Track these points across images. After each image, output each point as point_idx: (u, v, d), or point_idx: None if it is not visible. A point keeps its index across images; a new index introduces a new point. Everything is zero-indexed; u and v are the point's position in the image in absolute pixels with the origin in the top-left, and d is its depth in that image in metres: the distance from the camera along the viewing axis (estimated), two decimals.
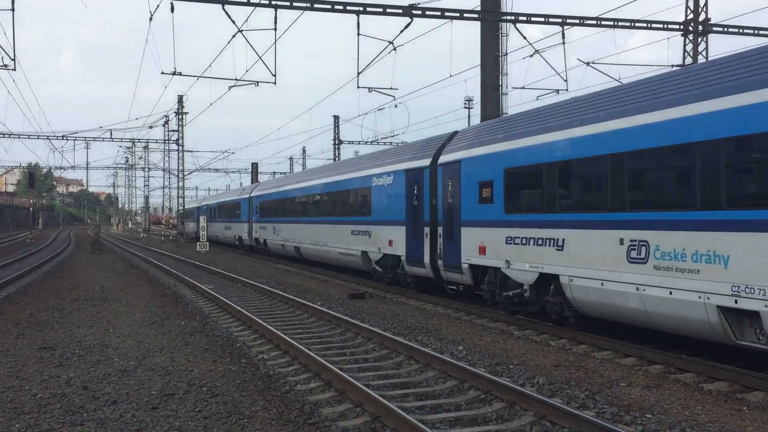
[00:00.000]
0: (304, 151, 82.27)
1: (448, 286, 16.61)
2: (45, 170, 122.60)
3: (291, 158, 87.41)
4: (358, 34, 19.69)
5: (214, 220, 49.20)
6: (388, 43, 19.97)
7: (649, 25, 22.86)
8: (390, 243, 18.25)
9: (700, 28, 24.21)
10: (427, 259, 16.34)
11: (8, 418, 7.16)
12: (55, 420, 7.07)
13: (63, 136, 54.35)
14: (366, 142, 54.30)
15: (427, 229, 16.30)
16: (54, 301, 16.64)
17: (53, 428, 6.80)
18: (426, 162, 16.59)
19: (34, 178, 64.61)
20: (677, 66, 24.02)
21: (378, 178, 19.16)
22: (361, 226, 20.14)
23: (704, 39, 24.25)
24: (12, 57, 22.14)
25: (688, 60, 24.13)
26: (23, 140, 54.26)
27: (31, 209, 78.11)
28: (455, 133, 16.55)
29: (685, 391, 8.41)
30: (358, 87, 22.12)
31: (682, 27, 24.20)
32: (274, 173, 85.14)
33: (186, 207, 67.85)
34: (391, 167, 18.52)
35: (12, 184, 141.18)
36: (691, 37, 24.17)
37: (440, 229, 15.66)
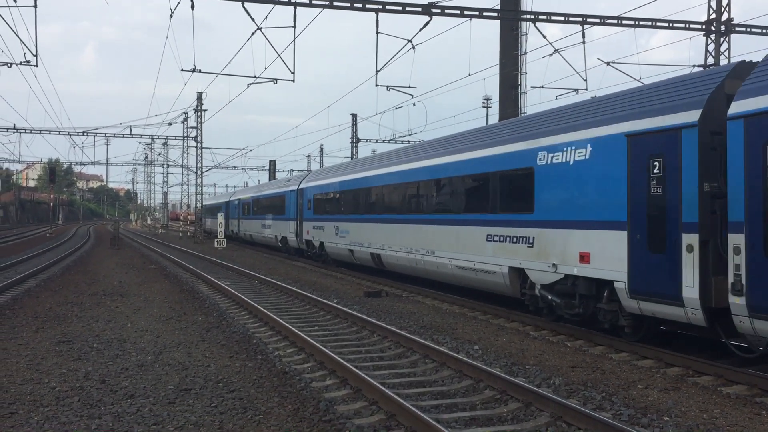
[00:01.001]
0: (321, 149, 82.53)
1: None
2: (65, 166, 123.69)
3: (308, 156, 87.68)
4: (377, 32, 19.68)
5: (247, 216, 43.53)
6: (406, 42, 19.95)
7: (670, 24, 22.67)
8: (584, 258, 11.57)
9: (723, 28, 23.94)
10: (690, 292, 9.42)
11: (27, 410, 7.24)
12: (73, 413, 7.14)
13: (83, 132, 54.87)
14: (384, 141, 54.30)
15: (689, 238, 9.45)
16: (73, 296, 16.80)
17: (71, 421, 6.87)
18: (687, 116, 9.68)
19: (55, 173, 65.25)
20: (699, 66, 23.79)
21: (551, 153, 12.57)
22: (512, 229, 13.68)
23: (727, 39, 23.99)
24: (34, 53, 22.38)
25: (710, 60, 23.89)
26: (44, 136, 55.03)
27: (51, 204, 78.86)
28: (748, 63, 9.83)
29: (703, 394, 8.34)
30: (377, 85, 22.12)
31: (704, 27, 23.96)
32: (292, 170, 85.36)
33: (210, 202, 63.35)
34: (584, 134, 11.77)
35: (33, 180, 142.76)
36: (713, 37, 23.92)
37: (737, 239, 8.71)
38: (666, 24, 22.56)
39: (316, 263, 28.56)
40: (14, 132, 52.70)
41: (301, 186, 30.34)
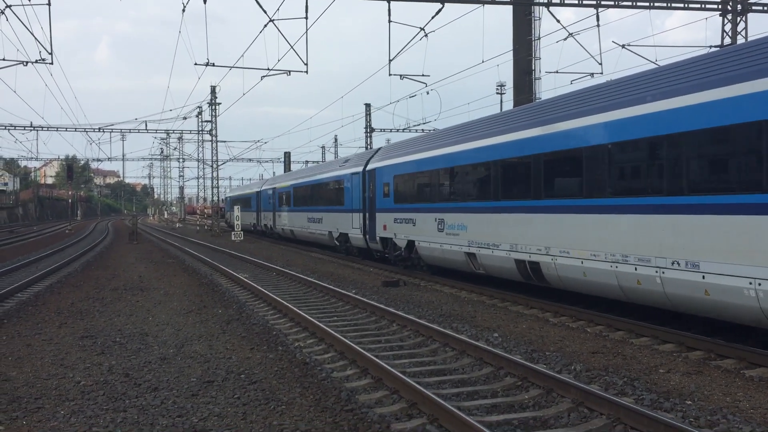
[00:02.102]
0: (335, 140, 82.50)
1: None
2: (82, 162, 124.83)
3: (323, 147, 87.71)
4: (389, 21, 19.63)
5: (287, 208, 36.24)
6: (419, 30, 19.87)
7: (686, 5, 22.40)
8: None
9: (739, 7, 23.62)
10: None
11: (53, 404, 7.33)
12: (98, 407, 7.23)
13: (99, 129, 55.22)
14: (398, 130, 54.21)
15: None
16: (94, 291, 16.97)
17: (97, 414, 6.95)
18: None
19: (72, 170, 65.91)
20: (716, 47, 23.50)
21: None
22: None
23: (743, 18, 23.67)
24: (49, 50, 22.54)
25: (727, 40, 23.59)
26: (61, 133, 55.36)
27: (69, 201, 79.60)
28: None
29: (726, 377, 8.29)
30: (390, 74, 22.13)
31: (720, 7, 23.65)
32: (307, 162, 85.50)
33: (236, 193, 56.86)
34: None
35: (51, 177, 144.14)
36: (729, 17, 23.61)
37: None
38: (681, 5, 22.29)
39: (331, 254, 28.49)
40: (31, 130, 53.17)
41: (370, 167, 22.61)
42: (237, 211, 46.42)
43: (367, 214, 22.85)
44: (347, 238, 25.58)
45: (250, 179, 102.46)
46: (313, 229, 30.53)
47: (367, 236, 22.98)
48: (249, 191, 50.69)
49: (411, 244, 19.27)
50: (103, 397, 7.59)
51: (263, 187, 44.09)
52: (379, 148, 24.31)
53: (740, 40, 23.31)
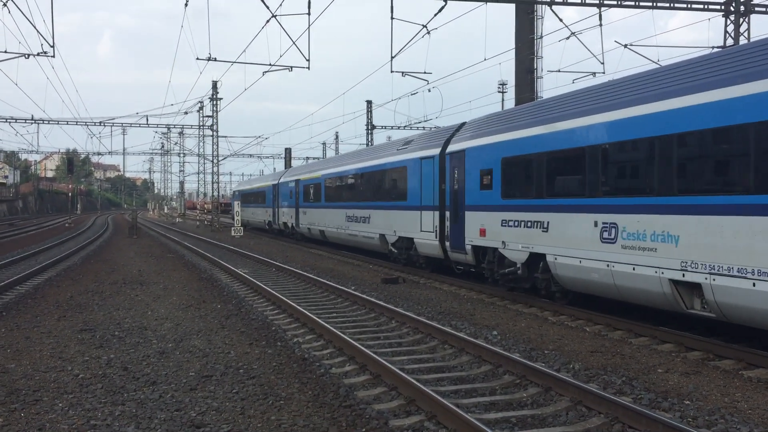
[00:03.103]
0: (337, 136, 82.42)
1: None
2: (83, 156, 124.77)
3: (324, 143, 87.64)
4: (392, 18, 19.61)
5: (319, 204, 29.42)
6: (421, 27, 19.86)
7: (689, 5, 22.38)
8: None
9: (742, 8, 23.59)
10: None
11: (52, 397, 7.34)
12: (96, 399, 7.23)
13: (100, 122, 55.22)
14: (399, 127, 54.15)
15: None
16: (93, 284, 16.97)
17: (95, 407, 6.95)
18: None
19: (73, 163, 65.92)
20: (718, 48, 23.46)
21: None
22: None
23: (746, 19, 23.65)
24: (51, 43, 22.51)
25: (729, 41, 23.57)
26: (62, 126, 55.37)
27: (70, 194, 79.60)
28: None
29: (724, 378, 8.29)
30: (392, 71, 22.10)
31: (723, 7, 23.62)
32: (307, 158, 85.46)
33: (246, 187, 51.36)
34: None
35: (51, 170, 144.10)
36: (732, 17, 23.58)
37: None
38: (684, 5, 22.27)
39: (332, 250, 28.55)
40: (32, 123, 53.16)
41: (455, 147, 16.51)
42: (237, 206, 46.38)
43: (448, 213, 16.68)
44: (410, 244, 19.43)
45: (251, 174, 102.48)
46: (356, 230, 23.93)
47: (448, 243, 16.83)
48: (262, 184, 43.97)
49: (536, 258, 13.30)
50: (102, 390, 7.59)
51: (282, 179, 37.35)
52: (462, 124, 17.37)
53: (742, 40, 23.30)
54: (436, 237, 17.53)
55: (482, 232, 15.11)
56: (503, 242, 14.27)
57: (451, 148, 16.81)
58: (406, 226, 19.58)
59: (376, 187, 22.32)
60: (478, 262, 15.71)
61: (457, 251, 16.42)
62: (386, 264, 22.12)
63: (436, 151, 17.73)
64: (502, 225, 14.33)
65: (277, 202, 38.56)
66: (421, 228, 18.48)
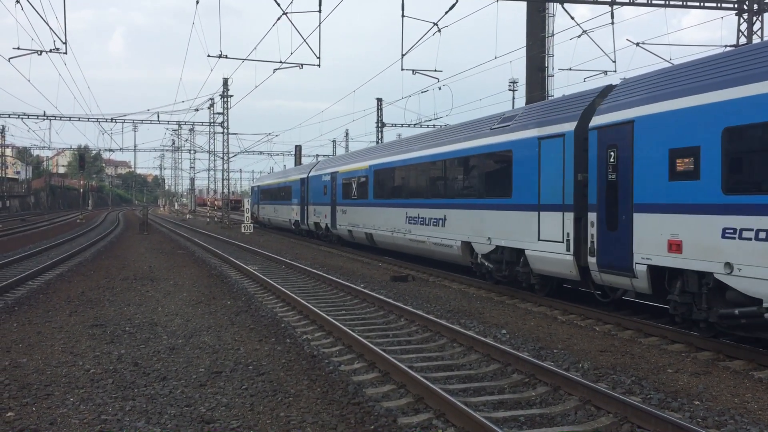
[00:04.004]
0: (347, 134, 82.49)
1: None
2: (94, 152, 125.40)
3: (334, 141, 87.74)
4: (403, 16, 19.60)
5: (365, 201, 24.42)
6: (432, 25, 19.84)
7: (701, 3, 22.26)
8: None
9: (756, 7, 23.44)
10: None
11: (63, 392, 7.39)
12: (107, 394, 7.28)
13: (112, 119, 55.44)
14: (409, 125, 54.17)
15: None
16: (104, 280, 17.07)
17: (106, 402, 7.00)
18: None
19: (84, 159, 66.21)
20: (731, 47, 23.33)
21: None
22: None
23: (759, 18, 23.49)
24: (63, 40, 22.64)
25: (743, 40, 23.43)
26: (74, 123, 55.60)
27: (81, 190, 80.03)
28: None
29: (734, 378, 8.26)
30: (402, 69, 22.08)
31: (736, 6, 23.47)
32: (317, 155, 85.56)
33: (268, 182, 45.80)
34: None
35: (63, 166, 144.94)
36: (746, 16, 23.43)
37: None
38: (697, 3, 22.15)
39: (340, 247, 28.37)
40: (44, 119, 53.51)
41: (614, 118, 11.58)
42: (247, 203, 46.45)
43: (594, 216, 11.87)
44: (516, 256, 14.50)
45: (261, 171, 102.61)
46: (422, 235, 19.08)
47: (594, 259, 11.84)
48: (288, 178, 38.64)
49: None
50: (112, 385, 7.64)
51: (313, 172, 32.62)
52: (609, 86, 12.67)
53: (755, 39, 23.15)
54: (568, 249, 12.50)
55: (673, 246, 10.18)
56: (728, 264, 9.08)
57: (602, 120, 11.78)
58: (511, 232, 14.43)
59: (458, 179, 17.21)
60: (657, 291, 10.71)
61: (615, 272, 11.37)
62: (396, 262, 22.01)
63: (568, 126, 12.73)
64: (724, 236, 9.20)
65: (307, 199, 33.50)
66: (539, 235, 13.40)
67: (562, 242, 12.75)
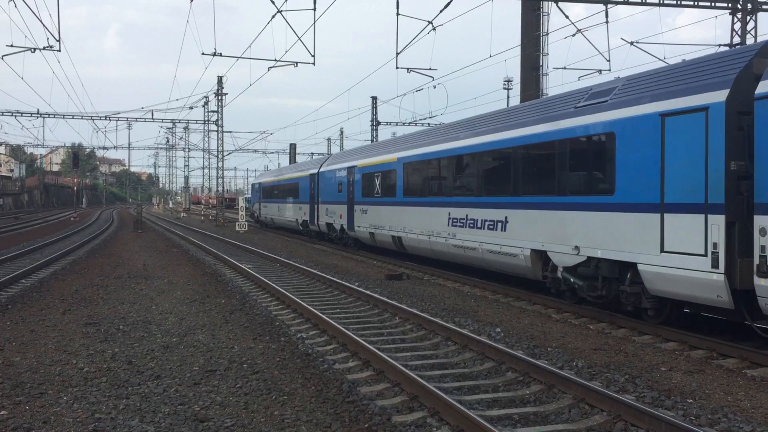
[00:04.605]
0: (341, 132, 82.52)
1: None
2: (88, 150, 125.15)
3: (329, 139, 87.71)
4: (398, 14, 19.60)
5: (390, 200, 21.27)
6: (427, 23, 19.83)
7: (696, 3, 22.31)
8: None
9: (749, 6, 23.51)
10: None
11: (57, 390, 7.37)
12: (101, 393, 7.26)
13: (106, 117, 55.30)
14: (404, 123, 54.16)
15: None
16: (98, 278, 17.02)
17: (100, 401, 6.99)
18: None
19: (78, 157, 66.04)
20: (725, 46, 23.40)
21: None
22: None
23: (753, 18, 23.57)
24: (57, 37, 22.57)
25: (736, 39, 23.50)
26: (67, 120, 55.52)
27: (75, 188, 79.83)
28: None
29: (727, 376, 8.29)
30: (397, 67, 22.09)
31: (730, 5, 23.54)
32: (312, 154, 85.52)
33: (269, 179, 42.99)
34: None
35: (57, 164, 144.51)
36: (739, 15, 23.50)
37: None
38: (691, 2, 22.21)
39: (335, 246, 28.18)
40: (38, 117, 53.32)
41: None
42: (241, 201, 46.38)
43: (763, 220, 8.81)
44: (621, 271, 11.27)
45: (255, 170, 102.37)
46: (473, 240, 15.81)
47: (765, 281, 8.76)
48: (295, 174, 35.26)
49: None
50: (106, 384, 7.63)
51: (325, 167, 29.59)
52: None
53: (750, 39, 23.22)
54: (716, 265, 9.30)
55: None
56: None
57: None
58: (613, 240, 11.20)
59: (526, 172, 13.89)
60: None
61: None
62: (391, 261, 22.02)
63: (714, 96, 9.52)
64: None
65: (317, 197, 30.32)
66: (662, 245, 10.19)
67: (705, 255, 9.42)
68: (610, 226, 11.23)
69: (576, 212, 12.13)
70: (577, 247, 12.05)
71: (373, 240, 23.07)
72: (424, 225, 18.57)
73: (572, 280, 12.22)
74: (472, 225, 15.91)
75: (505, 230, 14.48)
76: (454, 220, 16.78)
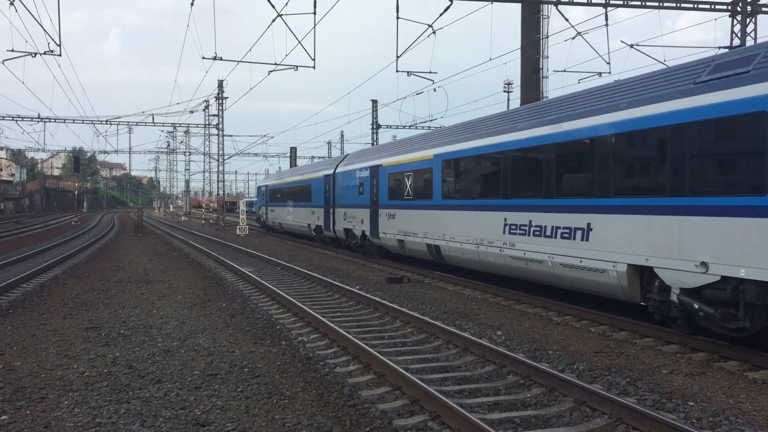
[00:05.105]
0: (342, 136, 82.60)
1: None
2: (89, 154, 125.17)
3: (329, 142, 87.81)
4: (398, 18, 19.61)
5: (426, 203, 18.62)
6: (427, 27, 19.85)
7: (695, 5, 22.34)
8: None
9: (749, 8, 23.53)
10: None
11: (57, 395, 7.37)
12: (102, 397, 7.26)
13: (106, 121, 55.37)
14: (404, 127, 54.19)
15: None
16: (99, 283, 17.02)
17: (100, 405, 6.98)
18: None
19: (79, 162, 66.08)
20: (725, 48, 23.41)
21: None
22: None
23: (753, 20, 23.58)
24: (57, 42, 22.60)
25: (736, 41, 23.51)
26: (68, 125, 55.56)
27: (76, 193, 79.90)
28: None
29: (729, 379, 8.28)
30: (397, 71, 22.09)
31: (729, 8, 23.56)
32: (313, 157, 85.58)
33: (276, 182, 40.65)
34: None
35: (57, 168, 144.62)
36: (739, 18, 23.52)
37: None
38: (691, 5, 22.23)
39: (335, 249, 28.23)
40: (39, 121, 53.34)
41: None
42: (242, 204, 46.41)
43: None
44: None
45: (256, 174, 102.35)
46: (536, 251, 13.32)
47: None
48: (307, 176, 32.77)
49: None
50: (107, 388, 7.63)
51: (342, 168, 27.18)
52: None
53: (749, 41, 23.23)
54: None
55: None
56: None
57: None
58: (764, 255, 8.53)
59: (621, 167, 11.23)
60: None
61: None
62: (391, 264, 22.00)
63: None
64: None
65: (333, 200, 28.02)
66: None
67: None
68: (762, 236, 8.51)
69: (704, 218, 9.37)
70: (704, 264, 9.32)
71: (402, 248, 20.66)
72: (469, 232, 15.98)
73: (696, 306, 9.46)
74: (537, 233, 13.23)
75: (586, 239, 11.84)
76: (513, 227, 14.14)
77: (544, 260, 12.98)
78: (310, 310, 12.07)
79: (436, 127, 40.39)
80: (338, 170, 27.46)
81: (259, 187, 46.69)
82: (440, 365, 8.89)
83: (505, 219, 14.42)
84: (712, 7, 23.08)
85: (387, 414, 6.76)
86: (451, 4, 19.28)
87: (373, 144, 52.89)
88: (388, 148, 23.42)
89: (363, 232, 24.08)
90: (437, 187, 17.82)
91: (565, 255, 12.34)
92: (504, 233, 14.48)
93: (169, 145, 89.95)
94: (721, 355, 9.31)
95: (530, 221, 13.50)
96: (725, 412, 6.92)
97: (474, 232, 15.77)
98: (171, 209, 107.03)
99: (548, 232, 12.90)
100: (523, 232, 13.79)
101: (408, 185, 19.95)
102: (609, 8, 21.03)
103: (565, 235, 12.39)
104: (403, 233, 20.26)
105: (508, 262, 14.47)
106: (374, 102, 54.69)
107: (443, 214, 17.43)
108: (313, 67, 22.29)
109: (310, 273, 18.51)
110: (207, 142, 60.61)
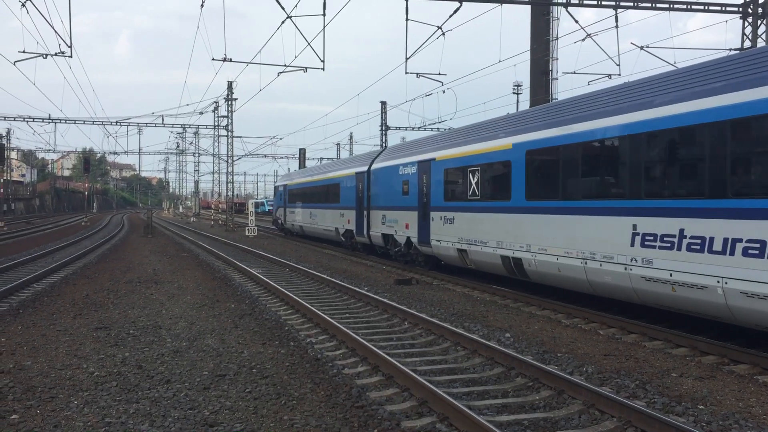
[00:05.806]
0: (351, 137, 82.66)
1: None
2: (99, 155, 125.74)
3: (338, 144, 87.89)
4: (407, 19, 19.61)
5: (501, 204, 15.05)
6: (436, 28, 19.84)
7: (706, 7, 22.24)
8: None
9: (760, 10, 23.42)
10: None
11: (67, 394, 7.41)
12: (111, 397, 7.29)
13: (117, 122, 55.65)
14: (413, 128, 54.21)
15: None
16: (109, 283, 17.10)
17: (110, 405, 7.01)
18: None
19: (89, 162, 66.42)
20: (735, 50, 23.30)
21: None
22: None
23: (764, 21, 23.46)
24: (68, 44, 22.72)
25: (747, 43, 23.40)
26: (78, 126, 55.86)
27: (86, 193, 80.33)
28: None
29: (739, 382, 8.23)
30: (406, 72, 22.06)
31: (740, 9, 23.45)
32: (321, 159, 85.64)
33: (297, 180, 37.10)
34: None
35: (68, 169, 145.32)
36: (750, 19, 23.41)
37: None
38: (701, 7, 22.14)
39: (344, 251, 28.25)
40: (49, 122, 53.67)
41: None
42: (251, 206, 46.50)
43: None
44: None
45: (265, 175, 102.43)
46: (691, 272, 9.69)
47: None
48: (334, 174, 29.39)
49: None
50: (116, 388, 7.66)
51: (380, 164, 23.60)
52: None
53: (760, 43, 23.11)
54: None
55: None
56: None
57: None
58: None
59: None
60: None
61: None
62: (399, 266, 21.98)
63: None
64: None
65: (367, 201, 24.60)
66: None
67: None
68: None
69: None
70: None
71: (463, 260, 17.21)
72: (571, 243, 12.54)
73: None
74: (697, 247, 9.61)
75: None
76: (648, 238, 10.57)
77: (709, 286, 9.37)
78: (318, 312, 12.08)
79: (445, 129, 40.07)
80: (374, 166, 23.97)
81: (276, 187, 43.38)
82: (448, 367, 8.88)
83: (635, 226, 10.85)
84: (723, 8, 22.98)
85: (395, 415, 6.76)
86: (460, 6, 19.27)
87: (381, 146, 52.84)
88: (440, 139, 19.80)
89: (408, 238, 20.67)
90: (518, 184, 14.40)
91: (751, 280, 8.72)
92: (632, 246, 10.90)
93: (178, 146, 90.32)
94: (731, 358, 9.26)
95: (682, 231, 9.90)
96: (735, 415, 6.88)
97: (578, 242, 12.28)
98: (180, 210, 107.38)
99: (718, 247, 9.27)
100: (668, 245, 10.17)
101: (473, 183, 16.46)
102: (619, 10, 20.97)
103: (752, 252, 8.75)
104: (465, 241, 16.77)
105: (638, 285, 10.86)
106: (383, 104, 54.76)
107: (527, 218, 14.02)
108: (323, 69, 22.32)
109: (318, 274, 18.52)
110: (216, 144, 60.81)
